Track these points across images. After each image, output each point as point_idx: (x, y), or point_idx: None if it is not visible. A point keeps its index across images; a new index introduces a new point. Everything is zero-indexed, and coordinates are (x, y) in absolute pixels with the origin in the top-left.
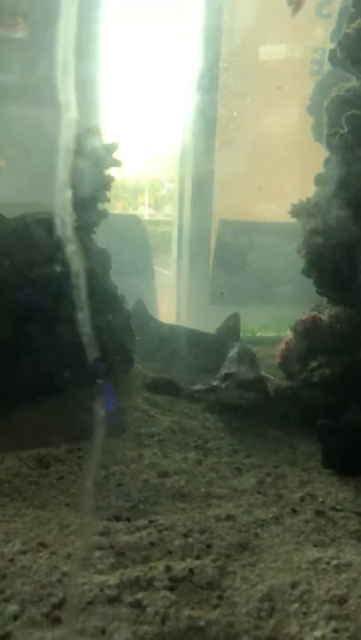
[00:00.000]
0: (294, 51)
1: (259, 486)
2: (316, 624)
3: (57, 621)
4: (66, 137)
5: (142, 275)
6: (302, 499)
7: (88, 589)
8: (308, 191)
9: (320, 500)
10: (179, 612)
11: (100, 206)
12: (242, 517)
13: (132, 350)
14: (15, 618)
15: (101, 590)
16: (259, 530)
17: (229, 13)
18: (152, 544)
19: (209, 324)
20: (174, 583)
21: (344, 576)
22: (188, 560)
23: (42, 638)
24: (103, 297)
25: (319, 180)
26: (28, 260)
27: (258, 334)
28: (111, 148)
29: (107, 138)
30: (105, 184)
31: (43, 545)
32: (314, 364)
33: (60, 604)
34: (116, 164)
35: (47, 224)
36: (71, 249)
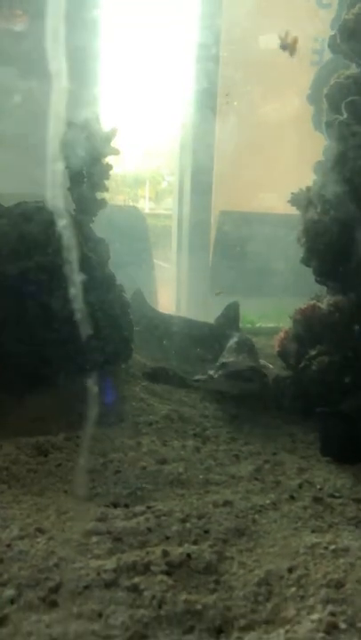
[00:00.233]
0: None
1: (257, 473)
2: (313, 608)
3: (54, 605)
4: (64, 126)
5: (142, 266)
6: (300, 485)
7: (85, 574)
8: (309, 181)
9: (318, 486)
10: (176, 597)
11: (99, 195)
12: (240, 503)
13: (131, 340)
14: (12, 602)
15: (98, 575)
16: (256, 516)
17: (229, 2)
18: (149, 529)
19: (209, 314)
20: (171, 568)
21: (341, 561)
22: (186, 545)
23: (38, 621)
24: (101, 286)
25: (319, 168)
26: (25, 250)
27: (257, 324)
28: (109, 136)
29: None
30: (103, 173)
31: (40, 530)
32: (313, 352)
33: (56, 588)
34: (115, 152)
35: (44, 213)
36: (68, 238)
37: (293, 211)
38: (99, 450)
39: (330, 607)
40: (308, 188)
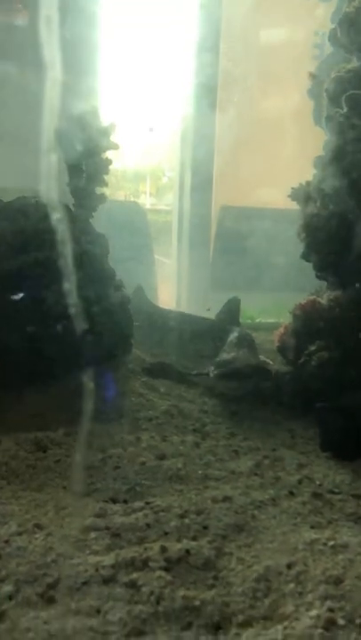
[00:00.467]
0: (296, 35)
1: (256, 469)
2: (312, 604)
3: (52, 601)
4: (63, 120)
5: (142, 261)
6: (300, 481)
7: (83, 570)
8: (310, 176)
9: (318, 482)
10: (174, 592)
11: (99, 190)
12: (239, 499)
13: (131, 335)
14: (10, 598)
15: (96, 570)
16: (256, 511)
17: None
18: (148, 525)
19: (210, 309)
20: (170, 564)
21: (340, 557)
22: (185, 541)
23: (36, 618)
24: (101, 281)
25: (319, 162)
26: (22, 245)
27: (257, 320)
28: (108, 131)
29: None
30: (103, 168)
31: (38, 526)
32: (312, 348)
33: (54, 584)
34: (114, 146)
35: (43, 208)
36: (66, 233)
37: (294, 206)
38: (98, 445)
39: (328, 603)
40: (308, 183)
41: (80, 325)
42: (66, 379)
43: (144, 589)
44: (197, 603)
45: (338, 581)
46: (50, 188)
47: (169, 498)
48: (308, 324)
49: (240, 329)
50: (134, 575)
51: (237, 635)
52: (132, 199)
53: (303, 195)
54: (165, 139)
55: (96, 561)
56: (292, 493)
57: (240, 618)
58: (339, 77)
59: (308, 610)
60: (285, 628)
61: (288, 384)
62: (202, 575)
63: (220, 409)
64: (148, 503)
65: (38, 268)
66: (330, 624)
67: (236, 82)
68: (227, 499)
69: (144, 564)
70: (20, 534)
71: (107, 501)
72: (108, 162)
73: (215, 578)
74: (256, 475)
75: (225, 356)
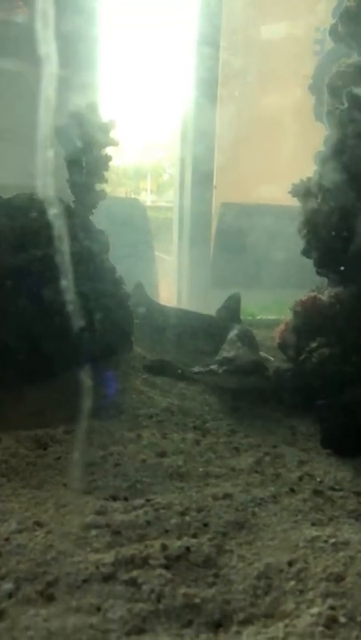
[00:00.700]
0: (297, 30)
1: (257, 466)
2: (313, 601)
3: (52, 599)
4: (63, 117)
5: (143, 258)
6: (301, 478)
7: (83, 567)
8: (311, 172)
9: (318, 479)
10: (174, 590)
11: (98, 187)
12: (239, 496)
13: (131, 332)
14: (10, 595)
15: (97, 568)
16: (256, 509)
17: None
18: (148, 523)
19: (210, 307)
20: (170, 561)
21: (341, 554)
22: (185, 538)
23: (36, 615)
24: (100, 278)
25: (319, 158)
26: (22, 243)
27: (258, 317)
28: (108, 127)
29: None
30: (102, 164)
31: (39, 524)
32: (313, 344)
33: (55, 582)
34: (113, 143)
35: (42, 205)
36: (64, 230)
37: (295, 202)
38: (98, 443)
39: (330, 601)
40: (309, 179)
41: (79, 322)
42: (66, 376)
43: (144, 587)
44: (198, 600)
45: (339, 579)
46: (49, 184)
47: (169, 495)
48: (309, 320)
49: (240, 326)
50: (135, 573)
51: (238, 633)
52: (132, 196)
53: (304, 191)
54: (166, 135)
55: (96, 558)
56: (292, 490)
57: (241, 616)
58: (340, 72)
59: (309, 607)
60: (286, 625)
61: (289, 381)
62: (202, 573)
63: (220, 406)
64: (148, 500)
65: (37, 266)
66: (331, 622)
67: (237, 78)
68: (227, 496)
69: (144, 562)
70: (20, 532)
71: (107, 499)
72: (108, 158)
73: (216, 575)
74: (257, 472)
75: (225, 353)
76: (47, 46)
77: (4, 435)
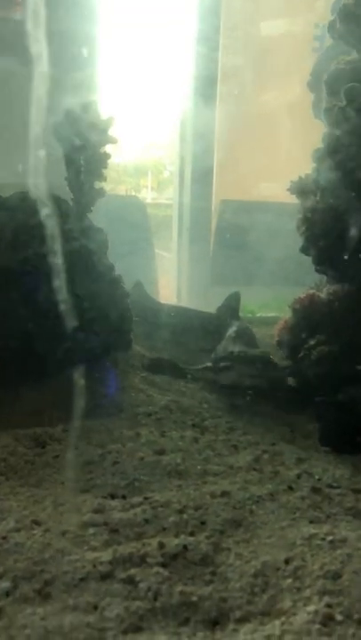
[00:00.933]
0: (296, 27)
1: (255, 463)
2: (310, 599)
3: (49, 597)
4: (61, 115)
5: (142, 256)
6: (299, 476)
7: (81, 566)
8: (310, 169)
9: (317, 477)
10: (171, 588)
11: (97, 185)
12: (237, 494)
13: (130, 330)
14: (7, 594)
15: (94, 567)
16: (254, 506)
17: None
18: (146, 521)
19: (210, 304)
20: (167, 559)
21: (339, 552)
22: (182, 536)
23: (33, 614)
24: (99, 277)
25: (317, 155)
26: (20, 241)
27: (258, 314)
28: (106, 124)
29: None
30: (101, 162)
31: (36, 522)
32: (312, 342)
33: (52, 581)
34: (112, 140)
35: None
36: (64, 228)
37: (295, 199)
38: (97, 441)
39: (326, 599)
40: (307, 176)
41: (73, 322)
42: (64, 375)
43: (142, 585)
44: (195, 598)
45: (336, 576)
46: (42, 183)
47: (167, 493)
48: (308, 318)
49: (240, 323)
50: (132, 571)
51: (235, 630)
52: (133, 193)
53: (302, 188)
54: (165, 133)
55: (94, 557)
56: (290, 488)
57: (238, 613)
58: (338, 70)
59: (305, 605)
60: (283, 623)
61: (287, 378)
62: (199, 571)
63: (219, 403)
64: (146, 498)
65: (34, 265)
66: (328, 620)
67: (236, 75)
68: (225, 494)
69: (142, 560)
70: (17, 530)
71: (105, 497)
72: (107, 156)
73: (213, 573)
74: (255, 469)
75: (222, 350)
76: (41, 45)
77: (2, 433)
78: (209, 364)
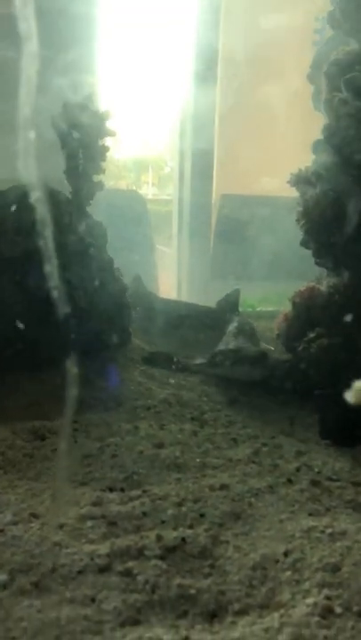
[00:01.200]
0: (297, 20)
1: (254, 456)
2: (309, 592)
3: (46, 590)
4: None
5: (142, 250)
6: (298, 469)
7: (78, 559)
8: (310, 162)
9: (316, 470)
10: (169, 581)
11: (96, 178)
12: (236, 487)
13: (129, 324)
14: (4, 587)
15: (92, 559)
16: (253, 499)
17: None
18: (145, 514)
19: (210, 298)
20: (166, 552)
21: (338, 544)
22: (181, 529)
23: (30, 607)
24: (97, 270)
25: (317, 147)
26: (18, 234)
27: (258, 308)
28: (104, 117)
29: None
30: (99, 155)
31: (34, 515)
32: (312, 335)
33: (49, 574)
34: (110, 133)
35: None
36: (62, 222)
37: (297, 193)
38: (96, 434)
39: (325, 591)
40: (307, 168)
41: (75, 315)
42: (62, 368)
43: (139, 578)
44: (193, 591)
45: (335, 569)
46: (32, 176)
47: (166, 486)
48: (307, 311)
49: (240, 318)
50: (130, 564)
51: (233, 623)
52: (133, 189)
53: (302, 180)
54: (165, 128)
55: (91, 550)
56: (290, 481)
57: (236, 606)
58: (337, 60)
59: (304, 598)
60: (282, 616)
61: (288, 372)
62: (198, 563)
63: (219, 397)
64: (145, 491)
65: (32, 258)
66: (327, 612)
67: (237, 69)
68: (224, 487)
69: (140, 553)
70: (15, 524)
71: (104, 490)
72: (105, 149)
73: (211, 566)
74: (254, 462)
75: (225, 345)
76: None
77: (0, 426)
78: (211, 358)
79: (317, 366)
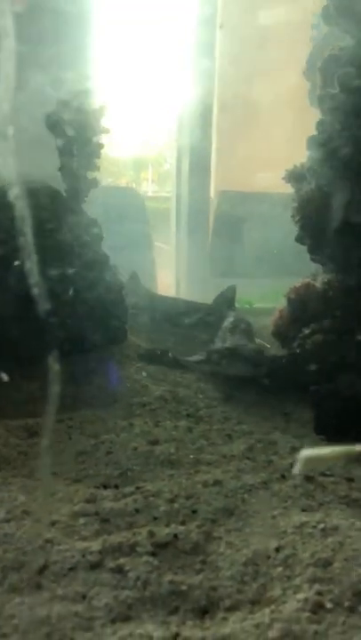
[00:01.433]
0: (294, 16)
1: (248, 452)
2: (300, 587)
3: (38, 587)
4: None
5: (140, 247)
6: (292, 464)
7: (70, 556)
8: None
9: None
10: (161, 577)
11: (90, 175)
12: (229, 483)
13: (125, 321)
14: None
15: (83, 556)
16: (246, 495)
17: None
18: (137, 510)
19: (209, 295)
20: (157, 548)
21: (330, 540)
22: (173, 526)
23: (22, 604)
24: (93, 268)
25: (312, 143)
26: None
27: (255, 305)
28: (99, 113)
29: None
30: (94, 152)
31: (27, 513)
32: (307, 331)
33: (41, 571)
34: (105, 130)
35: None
36: (57, 219)
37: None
38: (90, 431)
39: (316, 586)
40: (303, 164)
41: (70, 312)
42: (60, 365)
43: (131, 574)
44: (184, 587)
45: (327, 564)
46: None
47: (160, 483)
48: (303, 307)
49: (236, 314)
50: (121, 560)
51: (224, 619)
52: (133, 186)
53: (297, 176)
54: (163, 125)
55: (84, 547)
56: (283, 477)
57: (227, 602)
58: (332, 56)
59: (295, 593)
60: (272, 611)
61: (284, 368)
62: (190, 560)
63: (215, 393)
64: (138, 488)
65: (26, 254)
66: (317, 607)
67: (235, 65)
68: (217, 483)
69: (131, 550)
70: (8, 521)
71: (98, 487)
72: (100, 146)
73: (203, 562)
74: (248, 458)
75: (220, 342)
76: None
77: None
78: (207, 355)
79: (313, 362)
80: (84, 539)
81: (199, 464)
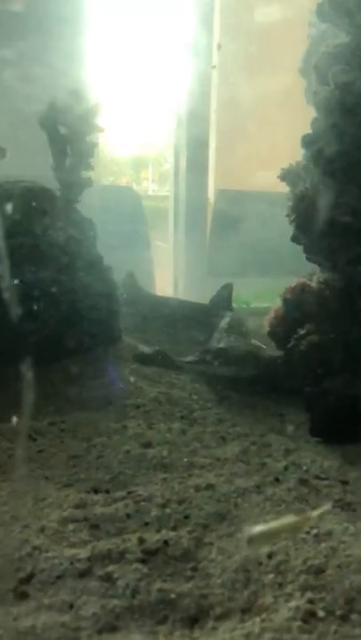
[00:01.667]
0: (292, 13)
1: (242, 455)
2: (292, 595)
3: (24, 596)
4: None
5: (137, 246)
6: (286, 467)
7: (58, 563)
8: None
9: (304, 468)
10: (150, 585)
11: (84, 174)
12: (222, 487)
13: (119, 321)
14: None
15: (71, 564)
16: (239, 499)
17: None
18: (128, 516)
19: (206, 295)
20: (147, 555)
21: (323, 545)
22: (164, 531)
23: (6, 614)
24: (87, 268)
25: (306, 141)
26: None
27: (253, 305)
28: (93, 112)
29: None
30: (87, 151)
31: (15, 518)
32: (302, 331)
33: (28, 579)
34: (99, 129)
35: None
36: (49, 219)
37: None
38: (83, 434)
39: (308, 594)
40: (298, 163)
41: (63, 313)
42: (52, 367)
43: (119, 582)
44: (174, 596)
45: (319, 571)
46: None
47: (152, 487)
48: (298, 307)
49: (232, 314)
50: (110, 568)
51: (214, 629)
52: (132, 185)
53: (292, 175)
54: (160, 124)
55: (72, 554)
56: (277, 480)
57: (217, 610)
58: (326, 54)
59: (287, 601)
60: (263, 620)
61: (279, 369)
62: (180, 567)
63: (209, 395)
64: (129, 493)
65: (18, 254)
66: (309, 616)
67: (232, 63)
68: (210, 487)
69: (121, 557)
70: None
71: (88, 492)
72: (94, 145)
73: (194, 569)
74: (242, 461)
75: (215, 343)
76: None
77: None
78: (202, 356)
79: (308, 363)
80: (73, 545)
81: (192, 467)
